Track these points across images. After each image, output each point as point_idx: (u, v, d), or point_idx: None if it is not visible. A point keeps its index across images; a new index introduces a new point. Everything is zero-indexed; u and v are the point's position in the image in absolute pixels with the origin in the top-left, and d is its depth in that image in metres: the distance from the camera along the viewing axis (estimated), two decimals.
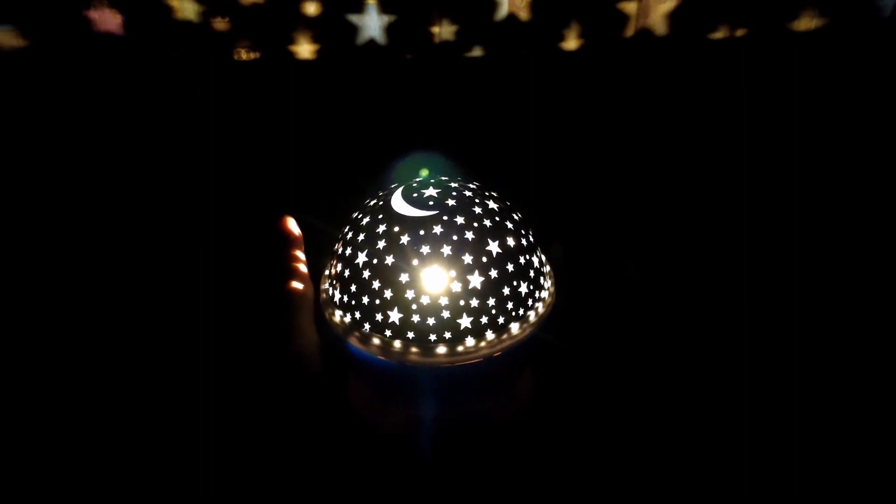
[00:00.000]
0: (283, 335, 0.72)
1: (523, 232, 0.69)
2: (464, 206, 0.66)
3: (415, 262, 0.63)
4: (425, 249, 0.63)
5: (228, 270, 0.77)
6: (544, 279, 0.71)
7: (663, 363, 0.74)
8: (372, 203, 0.70)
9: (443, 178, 0.71)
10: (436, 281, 0.63)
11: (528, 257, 0.68)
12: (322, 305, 0.71)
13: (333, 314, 0.69)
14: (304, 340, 0.71)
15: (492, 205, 0.68)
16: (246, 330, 0.72)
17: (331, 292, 0.70)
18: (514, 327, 0.66)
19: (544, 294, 0.70)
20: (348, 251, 0.67)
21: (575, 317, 0.73)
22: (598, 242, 0.85)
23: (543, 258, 0.75)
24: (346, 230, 0.70)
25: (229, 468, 0.65)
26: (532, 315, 0.68)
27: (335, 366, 0.70)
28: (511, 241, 0.66)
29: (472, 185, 0.70)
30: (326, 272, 0.74)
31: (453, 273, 0.63)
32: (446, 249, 0.63)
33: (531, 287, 0.68)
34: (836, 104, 1.14)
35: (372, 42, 1.18)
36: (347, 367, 0.69)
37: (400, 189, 0.69)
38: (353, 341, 0.66)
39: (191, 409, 0.69)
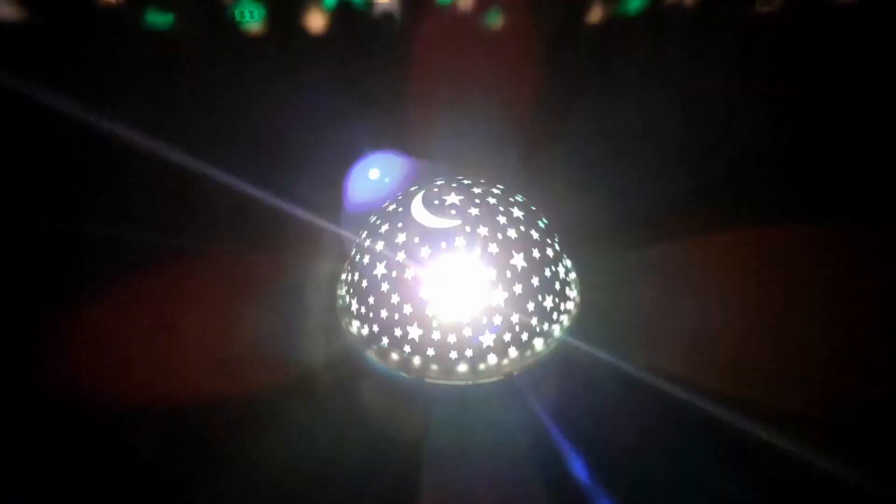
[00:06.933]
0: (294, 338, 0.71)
1: (548, 241, 0.66)
2: (488, 216, 0.63)
3: (436, 276, 0.60)
4: (447, 264, 0.60)
5: (235, 270, 0.74)
6: (569, 289, 0.69)
7: (690, 373, 0.72)
8: (391, 208, 0.67)
9: (465, 182, 0.67)
10: (458, 297, 0.60)
11: (553, 268, 0.65)
12: (339, 313, 0.69)
13: (350, 324, 0.67)
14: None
15: (516, 213, 0.65)
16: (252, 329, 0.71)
17: (347, 300, 0.68)
18: (538, 343, 0.64)
19: (569, 305, 0.68)
20: (366, 260, 0.65)
21: (599, 325, 0.71)
22: (622, 243, 0.81)
23: (569, 263, 0.72)
24: (364, 236, 0.67)
25: (233, 467, 0.63)
26: (556, 329, 0.66)
27: (349, 372, 0.68)
28: (536, 253, 0.63)
29: (494, 191, 0.67)
30: (344, 276, 0.71)
31: (476, 289, 0.60)
32: (469, 264, 0.60)
33: (556, 300, 0.65)
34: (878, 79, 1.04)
35: (386, 15, 1.12)
36: (363, 375, 0.67)
37: (421, 194, 0.66)
38: (371, 354, 0.65)
39: (194, 408, 0.67)
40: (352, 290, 0.66)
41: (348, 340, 0.67)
